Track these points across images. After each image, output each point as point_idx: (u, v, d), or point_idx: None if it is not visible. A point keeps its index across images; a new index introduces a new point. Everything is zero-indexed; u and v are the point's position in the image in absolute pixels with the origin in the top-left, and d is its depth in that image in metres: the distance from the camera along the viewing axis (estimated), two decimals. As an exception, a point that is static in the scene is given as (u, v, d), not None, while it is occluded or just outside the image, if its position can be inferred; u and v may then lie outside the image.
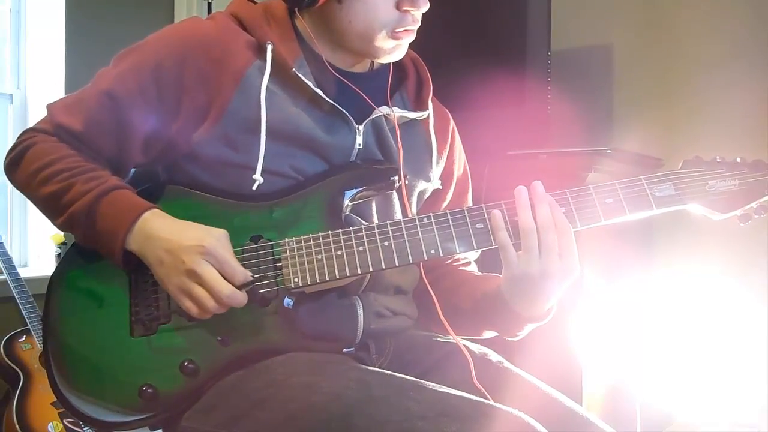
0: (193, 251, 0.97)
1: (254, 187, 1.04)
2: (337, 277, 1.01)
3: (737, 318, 1.98)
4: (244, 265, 1.01)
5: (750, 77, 2.00)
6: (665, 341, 2.08)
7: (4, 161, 1.13)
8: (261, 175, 1.04)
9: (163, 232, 1.00)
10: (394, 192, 1.14)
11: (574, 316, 1.76)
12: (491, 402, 0.89)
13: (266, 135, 1.05)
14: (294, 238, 1.03)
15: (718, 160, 1.03)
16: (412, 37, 1.11)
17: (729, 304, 1.99)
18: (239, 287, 0.98)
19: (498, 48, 2.14)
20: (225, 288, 0.97)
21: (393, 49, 1.11)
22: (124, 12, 2.97)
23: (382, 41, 1.08)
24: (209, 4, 2.92)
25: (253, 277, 1.00)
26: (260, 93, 1.05)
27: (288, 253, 1.02)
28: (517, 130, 2.06)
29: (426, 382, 0.93)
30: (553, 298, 1.04)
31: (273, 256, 1.03)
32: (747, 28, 2.05)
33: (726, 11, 2.08)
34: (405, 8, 1.05)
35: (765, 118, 1.96)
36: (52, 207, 1.06)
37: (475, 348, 1.16)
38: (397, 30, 1.07)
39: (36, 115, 2.78)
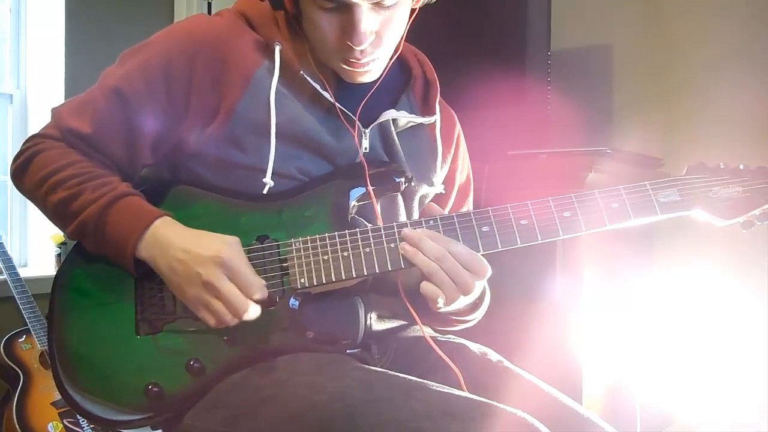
0: (209, 263, 0.96)
1: (265, 191, 1.04)
2: (343, 278, 1.01)
3: (737, 318, 1.98)
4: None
5: (750, 77, 2.01)
6: (665, 341, 2.08)
7: (11, 168, 1.11)
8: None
9: (176, 241, 0.99)
10: (399, 194, 1.14)
11: (574, 316, 1.77)
12: (495, 402, 0.89)
13: (275, 137, 1.05)
14: (300, 239, 1.03)
15: (722, 167, 1.04)
16: (374, 67, 1.08)
17: (729, 303, 2.00)
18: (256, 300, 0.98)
19: (498, 48, 2.15)
20: (244, 304, 0.96)
21: (352, 74, 1.08)
22: (124, 12, 2.97)
23: (339, 65, 1.06)
24: (209, 4, 2.91)
25: (266, 286, 1.00)
26: (269, 95, 1.05)
27: (294, 254, 1.02)
28: (517, 130, 2.06)
29: (429, 382, 0.93)
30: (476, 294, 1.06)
31: (279, 256, 1.03)
32: (747, 28, 2.05)
33: (726, 11, 2.09)
34: (347, 42, 1.02)
35: (765, 118, 1.96)
36: (61, 215, 1.05)
37: (475, 348, 1.16)
38: (347, 59, 1.05)
39: (36, 115, 2.78)
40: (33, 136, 1.11)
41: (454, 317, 1.15)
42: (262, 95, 1.05)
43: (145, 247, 1.00)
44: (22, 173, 1.09)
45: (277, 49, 1.07)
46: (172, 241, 0.99)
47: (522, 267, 1.78)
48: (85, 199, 1.02)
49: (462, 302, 1.03)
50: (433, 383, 0.93)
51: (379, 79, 1.13)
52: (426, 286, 0.99)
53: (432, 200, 1.23)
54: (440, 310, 1.03)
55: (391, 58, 1.12)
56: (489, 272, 1.00)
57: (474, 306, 1.14)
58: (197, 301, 0.98)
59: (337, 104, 1.09)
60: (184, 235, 1.00)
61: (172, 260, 0.99)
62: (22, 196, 1.12)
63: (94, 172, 1.05)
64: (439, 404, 0.86)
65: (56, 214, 1.06)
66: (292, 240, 1.03)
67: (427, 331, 1.19)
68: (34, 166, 1.07)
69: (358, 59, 1.04)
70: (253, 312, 0.97)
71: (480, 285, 1.04)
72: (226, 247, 0.98)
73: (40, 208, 1.10)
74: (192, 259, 0.97)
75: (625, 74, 2.29)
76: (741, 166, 1.04)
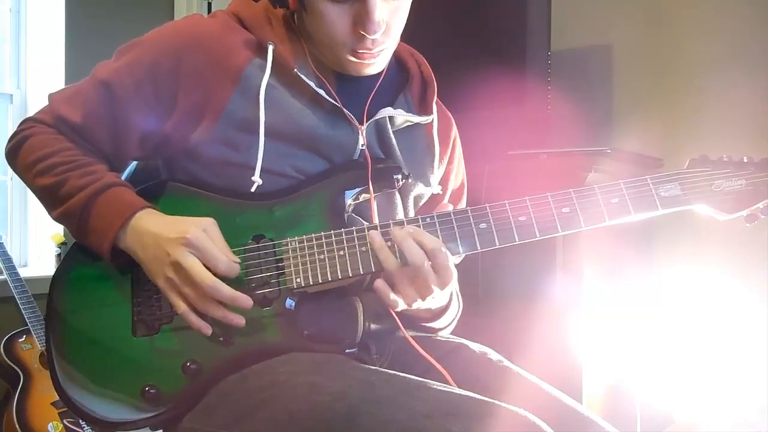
0: (175, 242, 0.97)
1: (253, 189, 1.05)
2: (340, 277, 1.01)
3: (738, 318, 1.98)
4: (246, 265, 1.02)
5: (750, 77, 2.00)
6: (665, 341, 2.08)
7: (5, 148, 1.14)
8: (261, 176, 1.05)
9: (151, 228, 1.00)
10: (396, 192, 1.14)
11: (574, 316, 1.77)
12: (497, 401, 0.89)
13: (267, 135, 1.05)
14: (296, 238, 1.02)
15: (725, 160, 1.02)
16: (381, 58, 1.08)
17: (729, 303, 1.99)
18: (231, 279, 0.98)
19: (498, 48, 2.15)
20: (206, 277, 0.96)
21: (360, 66, 1.08)
22: (124, 12, 2.97)
23: (346, 57, 1.06)
24: (209, 4, 2.91)
25: (240, 263, 1.00)
26: (259, 93, 1.05)
27: (290, 253, 1.02)
28: (517, 130, 2.06)
29: (430, 381, 0.92)
30: (440, 300, 1.06)
31: (275, 255, 1.03)
32: (747, 28, 2.05)
33: (726, 11, 2.08)
34: (359, 31, 1.02)
35: (765, 117, 1.96)
36: (48, 200, 1.08)
37: (475, 347, 1.16)
38: (357, 50, 1.05)
39: (36, 115, 2.78)
40: (27, 119, 1.13)
41: (420, 323, 1.14)
42: (252, 93, 1.06)
43: (125, 238, 1.02)
44: (14, 155, 1.12)
45: (270, 48, 1.07)
46: (147, 228, 1.01)
47: (522, 267, 1.78)
48: (71, 186, 1.04)
49: (421, 305, 1.01)
50: (434, 382, 0.92)
51: (381, 76, 1.14)
52: (378, 283, 0.98)
53: (428, 200, 1.22)
54: (397, 310, 1.02)
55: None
56: (452, 283, 1.00)
57: (435, 314, 1.13)
58: (168, 285, 0.99)
59: (339, 101, 1.09)
60: (159, 222, 1.01)
61: (146, 247, 1.00)
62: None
63: (81, 160, 1.07)
64: (440, 403, 0.86)
65: (43, 198, 1.09)
66: (288, 239, 1.03)
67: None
68: (24, 149, 1.10)
69: (370, 49, 1.05)
70: (219, 289, 0.96)
71: (442, 295, 1.03)
72: (193, 227, 0.98)
73: (30, 189, 1.12)
74: (162, 242, 0.98)
75: (625, 74, 2.29)
76: (744, 159, 1.02)
